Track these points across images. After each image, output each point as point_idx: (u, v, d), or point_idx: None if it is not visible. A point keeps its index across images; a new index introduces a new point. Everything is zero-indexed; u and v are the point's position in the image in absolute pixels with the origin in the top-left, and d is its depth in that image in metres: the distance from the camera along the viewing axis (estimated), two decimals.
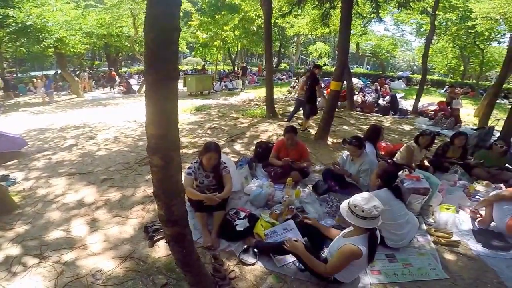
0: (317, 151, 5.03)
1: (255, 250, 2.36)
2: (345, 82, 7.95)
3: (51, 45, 11.06)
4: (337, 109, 6.82)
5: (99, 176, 4.05)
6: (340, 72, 5.26)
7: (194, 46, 19.07)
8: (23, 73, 24.26)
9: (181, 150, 4.72)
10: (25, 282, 2.24)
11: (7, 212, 3.18)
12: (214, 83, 14.91)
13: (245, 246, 2.43)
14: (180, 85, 14.94)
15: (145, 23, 1.28)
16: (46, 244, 2.64)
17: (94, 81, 17.51)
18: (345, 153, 3.56)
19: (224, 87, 15.04)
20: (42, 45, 10.79)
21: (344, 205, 1.95)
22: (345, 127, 7.09)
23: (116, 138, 6.07)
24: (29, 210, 3.26)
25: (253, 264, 2.29)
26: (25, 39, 11.06)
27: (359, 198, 1.88)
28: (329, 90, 6.22)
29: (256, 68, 23.21)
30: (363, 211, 1.80)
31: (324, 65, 20.72)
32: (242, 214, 2.76)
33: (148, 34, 1.27)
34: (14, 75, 21.18)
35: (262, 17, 9.09)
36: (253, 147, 4.65)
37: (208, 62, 26.28)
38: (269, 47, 7.32)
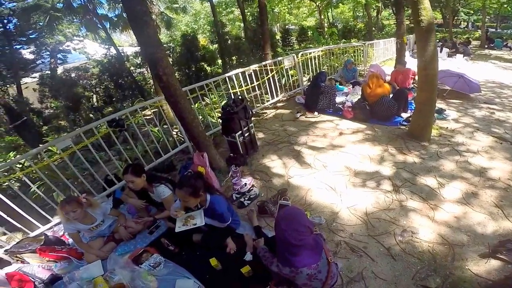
0: None
1: None
2: None
3: None
4: None
5: None
6: None
7: None
8: (503, 29, 24.64)
9: None
10: (358, 195, 2.72)
11: (419, 139, 3.62)
12: None
13: None
14: None
15: None
16: (411, 183, 2.84)
17: None
18: None
19: None
20: None
21: None
22: None
23: None
24: (433, 148, 3.47)
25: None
26: None
27: None
28: None
29: None
30: None
31: None
32: None
33: None
34: (494, 30, 23.08)
35: None
36: None
37: None
38: None
